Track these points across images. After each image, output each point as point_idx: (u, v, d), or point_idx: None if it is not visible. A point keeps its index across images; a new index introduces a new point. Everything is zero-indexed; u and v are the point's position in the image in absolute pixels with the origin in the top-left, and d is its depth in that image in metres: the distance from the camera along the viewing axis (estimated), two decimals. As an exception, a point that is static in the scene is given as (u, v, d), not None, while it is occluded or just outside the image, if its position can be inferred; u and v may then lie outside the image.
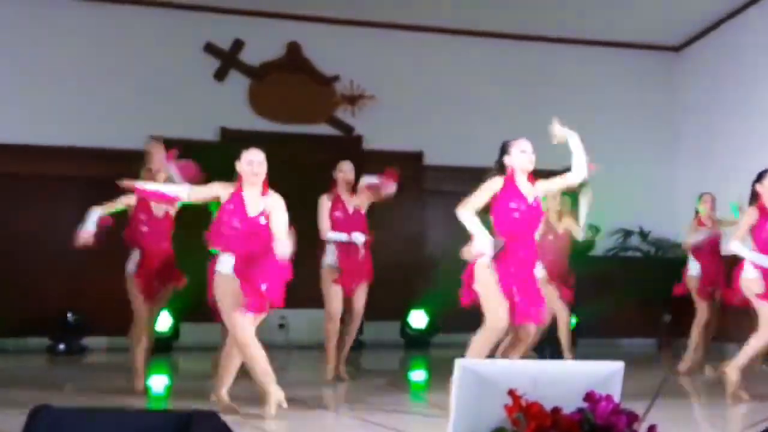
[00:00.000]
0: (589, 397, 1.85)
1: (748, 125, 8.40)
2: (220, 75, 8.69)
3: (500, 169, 4.14)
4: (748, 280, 4.66)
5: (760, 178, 4.81)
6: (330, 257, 5.47)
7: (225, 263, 4.00)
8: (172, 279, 5.03)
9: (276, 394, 3.96)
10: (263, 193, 4.08)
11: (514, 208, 4.04)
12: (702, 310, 6.15)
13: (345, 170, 5.58)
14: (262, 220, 4.03)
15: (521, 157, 4.08)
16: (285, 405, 3.97)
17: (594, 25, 9.06)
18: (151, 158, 4.98)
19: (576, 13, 8.73)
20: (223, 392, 4.14)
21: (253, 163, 4.05)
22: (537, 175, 4.21)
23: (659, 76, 9.71)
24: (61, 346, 7.55)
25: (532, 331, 4.14)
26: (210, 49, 8.65)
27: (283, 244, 3.98)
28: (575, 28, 9.14)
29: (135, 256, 4.94)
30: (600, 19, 8.89)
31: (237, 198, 4.03)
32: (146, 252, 4.90)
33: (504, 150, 4.15)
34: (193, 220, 5.12)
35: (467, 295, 4.08)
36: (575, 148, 4.16)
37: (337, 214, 5.47)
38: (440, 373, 5.69)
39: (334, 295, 5.46)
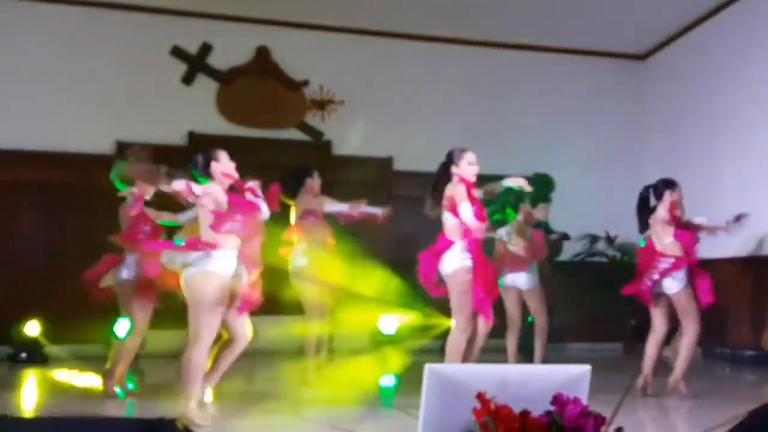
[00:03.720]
0: (556, 399, 1.85)
1: (713, 132, 8.55)
2: (187, 79, 8.60)
3: (446, 175, 4.38)
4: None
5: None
6: (300, 261, 5.50)
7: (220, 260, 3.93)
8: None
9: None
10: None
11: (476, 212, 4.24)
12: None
13: (314, 176, 5.82)
14: None
15: (469, 169, 4.36)
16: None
17: (561, 33, 9.17)
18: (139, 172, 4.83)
19: (543, 21, 8.82)
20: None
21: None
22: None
23: (625, 84, 9.84)
24: (23, 355, 7.39)
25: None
26: (177, 52, 8.56)
27: None
28: (543, 35, 9.24)
29: (130, 262, 4.81)
30: (567, 27, 9.00)
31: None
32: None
33: (451, 158, 4.33)
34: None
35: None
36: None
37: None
38: (410, 378, 5.69)
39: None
